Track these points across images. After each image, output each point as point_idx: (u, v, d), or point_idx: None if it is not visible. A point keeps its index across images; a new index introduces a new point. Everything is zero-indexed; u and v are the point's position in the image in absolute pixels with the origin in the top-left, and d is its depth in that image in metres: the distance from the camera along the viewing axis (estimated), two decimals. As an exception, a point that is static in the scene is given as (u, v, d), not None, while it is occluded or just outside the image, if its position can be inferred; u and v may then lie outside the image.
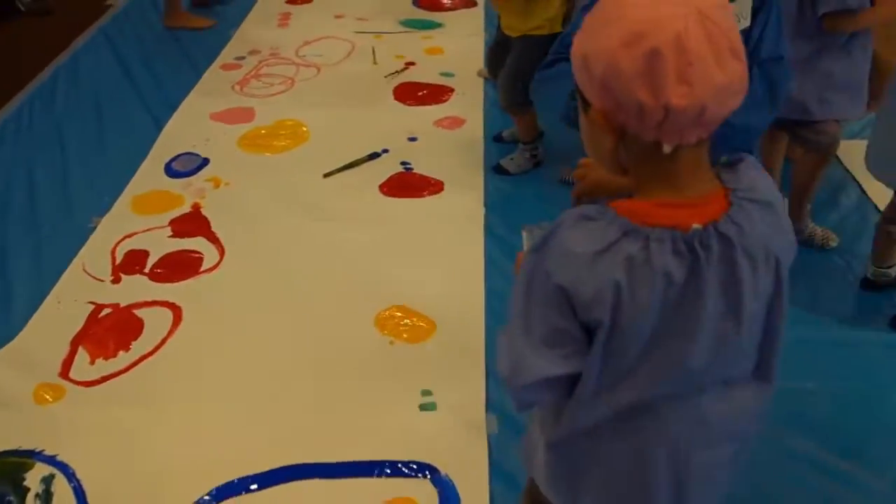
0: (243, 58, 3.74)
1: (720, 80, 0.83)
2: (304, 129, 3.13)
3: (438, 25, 4.12)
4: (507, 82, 2.72)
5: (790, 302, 0.98)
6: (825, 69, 2.11)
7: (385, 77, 3.52)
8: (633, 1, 0.84)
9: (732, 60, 0.84)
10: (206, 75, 3.57)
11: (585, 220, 0.91)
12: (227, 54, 3.77)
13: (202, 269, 2.39)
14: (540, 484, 1.18)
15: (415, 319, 2.19)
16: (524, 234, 1.29)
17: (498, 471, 1.77)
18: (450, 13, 4.29)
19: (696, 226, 0.89)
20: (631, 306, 0.89)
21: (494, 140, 3.03)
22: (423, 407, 1.92)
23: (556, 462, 1.10)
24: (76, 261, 2.41)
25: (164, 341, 2.12)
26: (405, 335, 2.14)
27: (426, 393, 1.95)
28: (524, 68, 2.57)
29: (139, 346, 2.10)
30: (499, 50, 2.80)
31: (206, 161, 2.91)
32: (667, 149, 0.87)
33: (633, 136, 0.89)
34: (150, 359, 2.07)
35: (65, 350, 2.09)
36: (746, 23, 1.54)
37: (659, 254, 0.88)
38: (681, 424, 1.00)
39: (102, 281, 2.34)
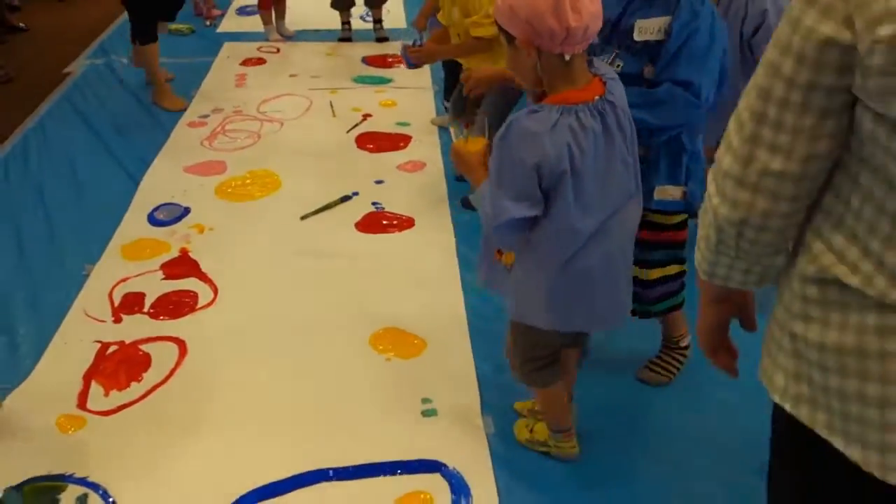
0: (207, 115, 3.93)
1: (593, 9, 1.45)
2: (276, 177, 3.33)
3: (389, 80, 4.40)
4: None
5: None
6: None
7: (346, 132, 3.75)
8: None
9: (593, 1, 1.45)
10: (173, 133, 3.74)
11: (534, 113, 1.48)
12: (191, 113, 3.96)
13: (198, 305, 2.54)
14: (536, 319, 1.68)
15: (406, 338, 2.38)
16: (452, 130, 1.93)
17: (499, 462, 1.96)
18: (397, 69, 4.58)
19: (597, 97, 1.49)
20: (580, 157, 1.47)
21: (457, 180, 3.28)
22: (424, 413, 2.11)
23: (556, 289, 1.62)
24: (76, 305, 2.53)
25: (172, 371, 2.26)
26: (399, 352, 2.33)
27: (426, 401, 2.15)
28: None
29: (150, 377, 2.23)
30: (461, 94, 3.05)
31: (187, 210, 3.07)
32: (567, 57, 1.47)
33: (546, 53, 1.47)
34: (162, 387, 2.20)
35: (78, 385, 2.20)
36: (661, 36, 1.76)
37: (585, 119, 1.47)
38: (620, 230, 1.61)
39: (104, 322, 2.46)
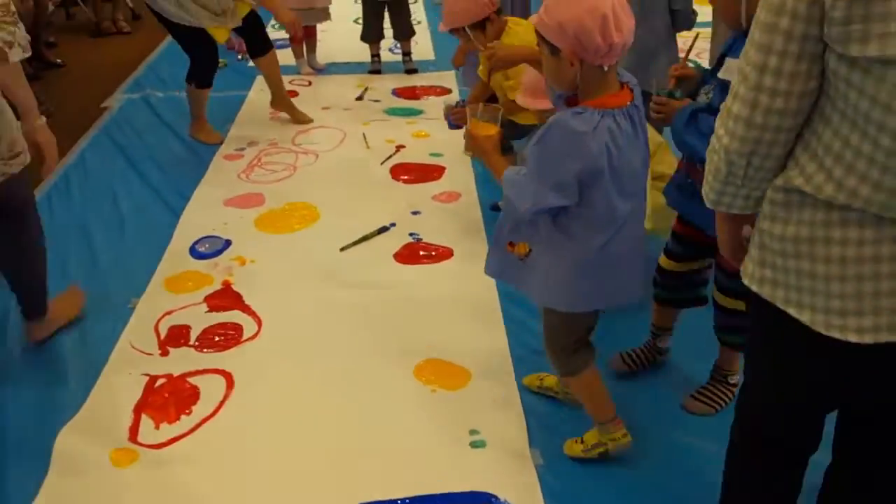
0: (243, 149, 3.99)
1: (631, 25, 1.62)
2: (315, 209, 3.37)
3: (420, 112, 4.45)
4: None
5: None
6: None
7: (381, 164, 3.80)
8: None
9: (630, 18, 1.61)
10: (211, 166, 3.80)
11: (578, 114, 1.64)
12: (227, 146, 4.02)
13: (244, 338, 2.56)
14: (559, 303, 1.85)
15: (450, 369, 2.39)
16: (468, 111, 2.03)
17: (550, 494, 1.96)
18: (428, 100, 4.64)
19: (627, 103, 1.68)
20: (617, 154, 1.65)
21: (492, 210, 3.30)
22: (473, 444, 2.11)
23: (588, 272, 1.78)
24: (123, 338, 2.56)
25: (221, 404, 2.27)
26: (444, 383, 2.34)
27: (474, 432, 2.15)
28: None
29: (199, 410, 2.25)
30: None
31: (228, 242, 3.11)
32: (605, 68, 1.64)
33: (588, 64, 1.64)
34: (211, 420, 2.22)
35: (129, 418, 2.22)
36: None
37: (620, 121, 1.66)
38: (640, 217, 1.84)
39: (151, 354, 2.49)
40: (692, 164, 1.97)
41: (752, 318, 1.42)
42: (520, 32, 2.90)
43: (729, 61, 1.81)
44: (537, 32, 1.71)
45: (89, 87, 4.94)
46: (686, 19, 3.05)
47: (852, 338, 1.17)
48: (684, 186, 2.03)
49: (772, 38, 1.11)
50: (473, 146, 1.97)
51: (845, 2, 1.01)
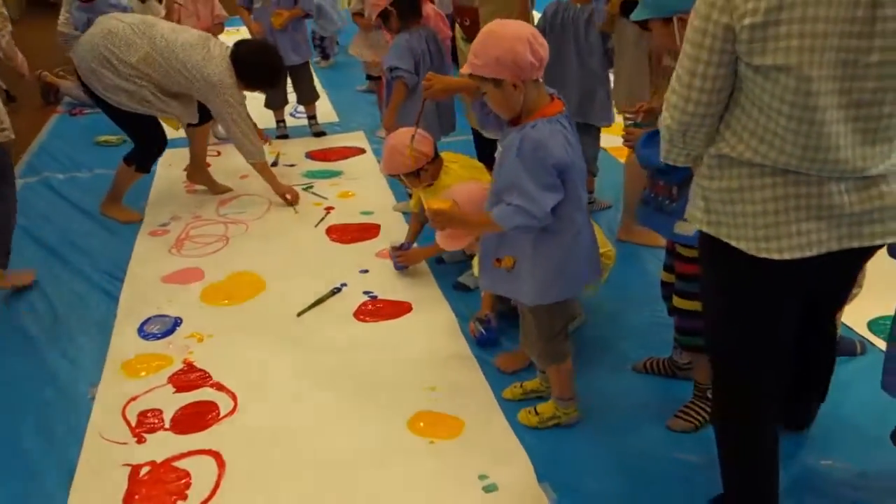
0: (167, 224, 3.88)
1: (545, 42, 1.97)
2: (258, 277, 3.32)
3: (339, 173, 4.50)
4: None
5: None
6: None
7: (315, 226, 3.79)
8: (505, 26, 1.97)
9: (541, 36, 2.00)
10: (137, 244, 3.67)
11: (533, 127, 1.96)
12: (149, 222, 3.90)
13: (222, 415, 2.48)
14: (559, 292, 2.14)
15: (442, 419, 2.41)
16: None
17: (571, 527, 2.02)
18: (343, 161, 4.69)
19: (563, 109, 2.03)
20: (573, 151, 2.01)
21: (437, 263, 3.36)
22: (486, 489, 2.14)
23: (569, 259, 2.09)
24: (90, 430, 2.41)
25: (217, 486, 2.18)
26: (440, 434, 2.35)
27: (483, 477, 2.17)
28: None
29: (195, 495, 2.15)
30: None
31: (178, 320, 3.00)
32: (538, 80, 1.99)
33: (528, 83, 1.95)
34: (211, 502, 2.13)
35: (121, 513, 2.10)
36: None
37: (565, 123, 2.01)
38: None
39: (126, 444, 2.36)
40: (653, 179, 2.18)
41: (703, 259, 1.81)
42: (456, 170, 3.10)
43: None
44: (475, 76, 1.99)
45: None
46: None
47: (775, 256, 1.58)
48: (648, 200, 2.22)
49: (698, 52, 1.51)
50: (442, 220, 2.18)
51: (749, 28, 1.44)
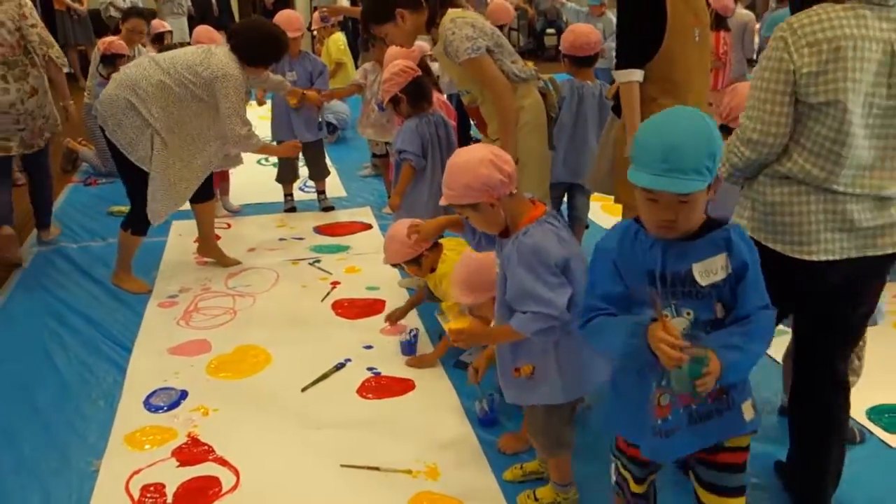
0: (176, 295, 3.95)
1: (509, 157, 2.09)
2: (265, 351, 3.37)
3: (346, 248, 4.58)
4: None
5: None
6: None
7: (321, 301, 3.86)
8: (468, 152, 2.09)
9: (505, 153, 2.11)
10: (146, 315, 3.72)
11: (526, 233, 2.05)
12: (158, 294, 3.96)
13: (223, 491, 2.49)
14: (576, 392, 2.19)
15: (443, 501, 2.42)
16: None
17: None
18: (350, 236, 4.79)
19: (546, 210, 2.11)
20: (568, 246, 2.09)
21: (455, 367, 3.35)
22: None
23: (585, 358, 2.11)
24: (93, 503, 2.43)
25: (218, 563, 2.20)
26: (442, 515, 2.37)
27: (483, 560, 2.18)
28: None
29: (196, 572, 2.16)
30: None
31: (184, 393, 3.04)
32: (514, 191, 2.06)
33: (503, 199, 2.05)
34: (211, 581, 2.13)
35: (121, 589, 2.10)
36: (725, 273, 1.68)
37: (553, 222, 2.09)
38: None
39: (129, 518, 2.38)
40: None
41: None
42: (452, 257, 3.18)
43: (700, 266, 1.80)
44: (454, 206, 2.12)
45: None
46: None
47: (805, 257, 2.00)
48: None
49: (770, 97, 1.96)
50: (463, 340, 2.27)
51: (806, 76, 1.91)
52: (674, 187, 1.58)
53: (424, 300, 3.43)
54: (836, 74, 1.88)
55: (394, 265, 3.37)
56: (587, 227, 4.31)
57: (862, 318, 2.20)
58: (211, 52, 3.83)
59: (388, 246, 3.18)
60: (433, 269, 3.18)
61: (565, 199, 4.18)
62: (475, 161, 2.03)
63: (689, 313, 1.69)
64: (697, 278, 1.66)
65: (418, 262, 3.15)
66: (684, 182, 1.57)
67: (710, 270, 1.66)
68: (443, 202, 2.13)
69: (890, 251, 2.01)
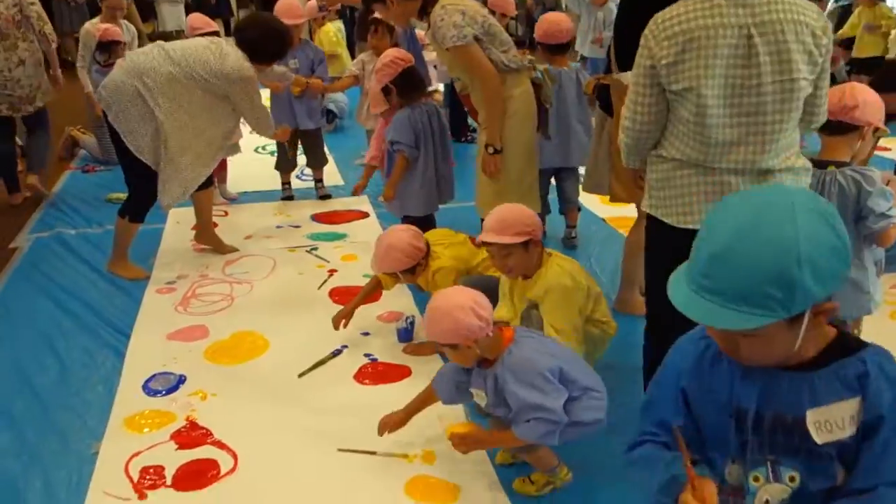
0: (174, 282, 3.98)
1: (488, 303, 2.24)
2: (262, 337, 3.40)
3: (344, 236, 4.61)
4: None
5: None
6: None
7: (318, 288, 3.89)
8: (448, 298, 2.23)
9: (485, 299, 2.27)
10: (144, 301, 3.75)
11: (509, 353, 2.22)
12: (155, 281, 3.99)
13: (222, 473, 2.53)
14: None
15: (439, 484, 2.46)
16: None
17: None
18: (347, 224, 4.81)
19: (513, 334, 2.28)
20: (550, 350, 2.28)
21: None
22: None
23: (580, 429, 2.21)
24: (93, 485, 2.46)
25: (216, 543, 2.23)
26: (436, 499, 2.40)
27: (476, 543, 2.22)
28: None
29: (195, 552, 2.20)
30: None
31: (182, 377, 3.07)
32: (489, 333, 2.20)
33: (480, 340, 2.19)
34: (210, 561, 2.17)
35: (121, 569, 2.14)
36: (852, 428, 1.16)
37: (528, 335, 2.33)
38: None
39: (129, 500, 2.40)
40: None
41: (646, 234, 2.42)
42: (441, 251, 3.25)
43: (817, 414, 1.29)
44: (440, 344, 2.24)
45: (-10, 228, 4.77)
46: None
47: (691, 226, 2.17)
48: None
49: (636, 89, 2.17)
50: (466, 445, 2.35)
51: (666, 67, 2.07)
52: (706, 319, 1.12)
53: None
54: (690, 63, 2.03)
55: (386, 274, 3.33)
56: (579, 209, 4.43)
57: None
58: (223, 50, 3.82)
59: (384, 255, 3.19)
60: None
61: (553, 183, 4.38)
62: (453, 306, 2.17)
63: (792, 478, 1.18)
64: (813, 433, 1.15)
65: (413, 270, 3.20)
66: (722, 313, 1.08)
67: (832, 422, 1.14)
68: (429, 339, 2.36)
69: None
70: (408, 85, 3.67)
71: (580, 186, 4.13)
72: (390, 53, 3.70)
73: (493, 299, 2.79)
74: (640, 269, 2.82)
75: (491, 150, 3.39)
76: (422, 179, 3.78)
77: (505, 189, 3.43)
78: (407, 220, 3.91)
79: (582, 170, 4.01)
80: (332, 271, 4.10)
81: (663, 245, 2.26)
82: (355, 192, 4.37)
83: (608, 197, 3.58)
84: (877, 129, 2.52)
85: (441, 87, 6.95)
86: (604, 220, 4.77)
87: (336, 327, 3.28)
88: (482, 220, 3.63)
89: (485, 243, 2.77)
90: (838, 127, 2.47)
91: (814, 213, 1.08)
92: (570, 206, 4.34)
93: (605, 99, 3.23)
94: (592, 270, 3.98)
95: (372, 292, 3.44)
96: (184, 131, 3.78)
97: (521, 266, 2.73)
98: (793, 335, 1.10)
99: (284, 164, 5.21)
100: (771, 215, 1.08)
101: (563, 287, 2.68)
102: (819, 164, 2.48)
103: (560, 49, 4.14)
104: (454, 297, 2.22)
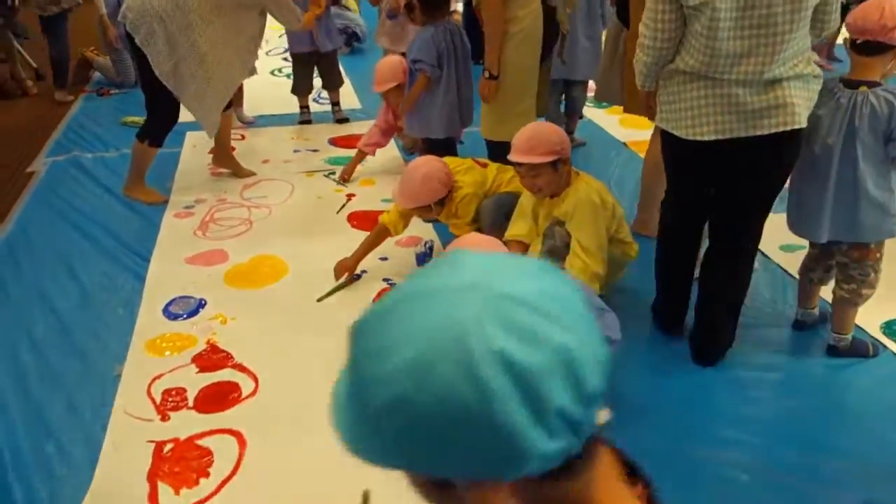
0: (192, 206, 3.95)
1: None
2: (281, 261, 3.38)
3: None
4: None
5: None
6: None
7: (336, 213, 3.86)
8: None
9: None
10: (163, 225, 3.74)
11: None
12: (174, 205, 3.97)
13: (243, 395, 2.55)
14: None
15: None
16: None
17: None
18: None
19: None
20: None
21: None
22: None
23: None
24: (116, 407, 2.49)
25: (238, 464, 2.25)
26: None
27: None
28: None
29: (217, 472, 2.22)
30: None
31: (202, 301, 3.07)
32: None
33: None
34: (232, 481, 2.20)
35: (144, 486, 2.17)
36: None
37: None
38: None
39: (151, 420, 2.43)
40: None
41: (661, 145, 2.57)
42: (463, 178, 3.20)
43: None
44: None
45: (7, 152, 4.74)
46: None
47: (699, 137, 2.30)
48: None
49: (656, 6, 2.22)
50: None
51: None
52: None
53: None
54: None
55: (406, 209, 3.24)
56: (581, 117, 4.78)
57: (765, 196, 2.40)
58: None
59: (423, 184, 3.10)
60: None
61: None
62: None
63: None
64: None
65: (442, 202, 3.15)
66: None
67: None
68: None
69: (774, 131, 2.22)
70: (431, 2, 3.54)
71: (592, 95, 4.40)
72: None
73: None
74: (660, 187, 2.75)
75: (486, 74, 3.32)
76: (444, 99, 3.69)
77: (499, 112, 3.43)
78: (427, 142, 3.83)
79: (591, 84, 4.20)
80: (350, 196, 4.05)
81: (674, 157, 2.49)
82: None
83: (621, 108, 3.63)
84: None
85: (460, 6, 6.75)
86: (624, 143, 4.67)
87: (337, 279, 3.21)
88: (487, 141, 3.58)
89: (513, 163, 2.73)
90: (876, 47, 2.35)
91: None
92: (573, 115, 4.63)
93: (623, 7, 3.19)
94: (613, 194, 3.90)
95: (377, 241, 3.30)
96: (216, 46, 3.69)
97: (550, 185, 2.69)
98: None
99: (301, 88, 5.11)
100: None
101: (593, 204, 2.66)
102: (850, 83, 2.38)
103: None
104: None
